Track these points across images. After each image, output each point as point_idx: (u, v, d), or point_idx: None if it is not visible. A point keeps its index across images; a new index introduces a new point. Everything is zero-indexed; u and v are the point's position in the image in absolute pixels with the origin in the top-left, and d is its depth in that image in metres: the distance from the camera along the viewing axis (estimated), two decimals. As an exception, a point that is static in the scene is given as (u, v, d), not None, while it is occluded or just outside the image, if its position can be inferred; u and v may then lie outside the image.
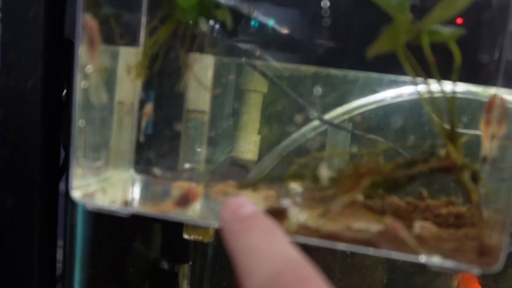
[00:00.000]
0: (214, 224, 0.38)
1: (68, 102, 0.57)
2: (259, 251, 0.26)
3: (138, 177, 0.44)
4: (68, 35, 0.52)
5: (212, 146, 0.49)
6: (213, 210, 0.40)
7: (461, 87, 0.49)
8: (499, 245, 0.34)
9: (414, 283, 0.77)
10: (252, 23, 0.43)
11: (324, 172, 0.35)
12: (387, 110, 0.49)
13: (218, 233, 0.55)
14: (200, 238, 0.53)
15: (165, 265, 0.61)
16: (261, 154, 0.57)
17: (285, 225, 0.36)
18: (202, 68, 0.45)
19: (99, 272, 0.60)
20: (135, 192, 0.43)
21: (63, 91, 0.57)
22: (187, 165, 0.47)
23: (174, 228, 0.57)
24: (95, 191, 0.39)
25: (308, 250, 0.27)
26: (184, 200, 0.37)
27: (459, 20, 0.40)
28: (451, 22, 0.36)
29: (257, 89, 0.66)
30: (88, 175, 0.39)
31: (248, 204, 0.29)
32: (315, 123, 0.53)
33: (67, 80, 0.56)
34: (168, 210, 0.37)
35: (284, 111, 0.56)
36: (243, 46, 0.45)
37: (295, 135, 0.54)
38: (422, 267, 0.35)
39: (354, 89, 0.47)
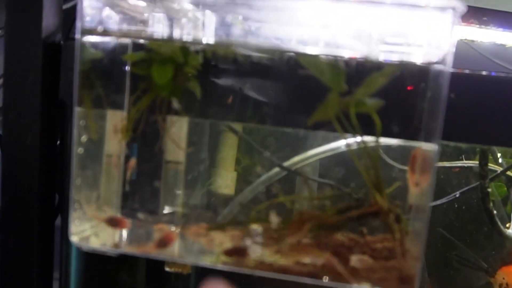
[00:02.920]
0: (188, 261, 0.46)
1: (61, 152, 0.65)
2: None
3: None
4: (62, 97, 0.60)
5: (188, 190, 0.57)
6: (188, 249, 0.48)
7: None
8: (415, 274, 0.42)
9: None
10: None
11: (274, 219, 0.43)
12: (336, 159, 0.58)
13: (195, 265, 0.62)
14: (180, 270, 0.61)
15: (149, 295, 0.69)
16: (237, 190, 0.65)
17: (246, 261, 0.45)
18: (178, 127, 0.53)
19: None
20: (123, 235, 0.51)
21: (57, 143, 0.65)
22: (167, 209, 0.55)
23: (156, 262, 0.64)
24: (89, 236, 0.47)
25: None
26: (163, 243, 0.45)
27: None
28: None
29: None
30: (83, 222, 0.47)
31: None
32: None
33: (60, 134, 0.65)
34: (150, 251, 0.45)
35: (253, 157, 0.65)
36: (213, 107, 0.53)
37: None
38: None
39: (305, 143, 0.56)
